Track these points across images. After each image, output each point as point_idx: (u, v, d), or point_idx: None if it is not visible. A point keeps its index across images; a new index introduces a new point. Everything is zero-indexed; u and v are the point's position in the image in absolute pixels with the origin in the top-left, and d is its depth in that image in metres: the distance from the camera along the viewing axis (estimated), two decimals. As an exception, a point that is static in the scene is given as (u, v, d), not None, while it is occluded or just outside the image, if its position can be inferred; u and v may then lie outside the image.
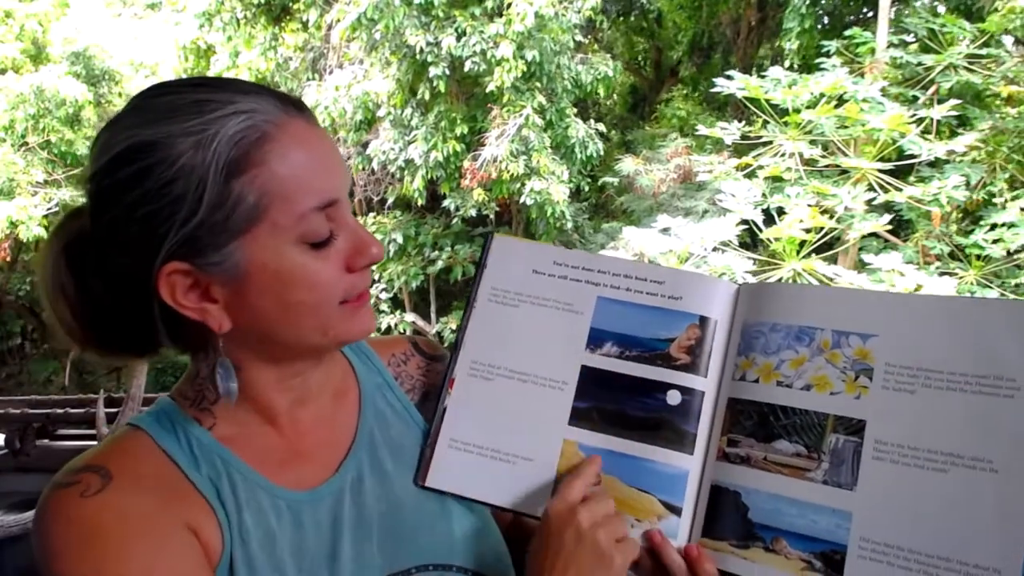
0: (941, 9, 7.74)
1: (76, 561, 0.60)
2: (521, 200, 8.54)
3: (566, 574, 0.67)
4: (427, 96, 8.60)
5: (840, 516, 0.67)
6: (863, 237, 5.98)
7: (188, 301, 0.65)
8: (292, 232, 0.64)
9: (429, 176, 8.78)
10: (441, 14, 8.28)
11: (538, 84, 8.50)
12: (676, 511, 0.72)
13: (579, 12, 8.56)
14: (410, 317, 9.86)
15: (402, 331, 9.65)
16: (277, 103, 0.65)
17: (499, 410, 0.79)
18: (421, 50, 8.28)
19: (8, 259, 10.22)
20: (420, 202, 9.28)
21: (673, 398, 0.75)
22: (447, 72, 8.37)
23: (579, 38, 9.00)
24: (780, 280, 4.72)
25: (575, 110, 9.05)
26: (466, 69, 8.35)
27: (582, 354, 0.79)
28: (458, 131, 8.69)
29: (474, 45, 8.12)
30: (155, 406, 0.72)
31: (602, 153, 9.15)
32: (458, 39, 8.22)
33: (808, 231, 4.79)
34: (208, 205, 0.61)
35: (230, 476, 0.68)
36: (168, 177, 0.61)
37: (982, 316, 0.68)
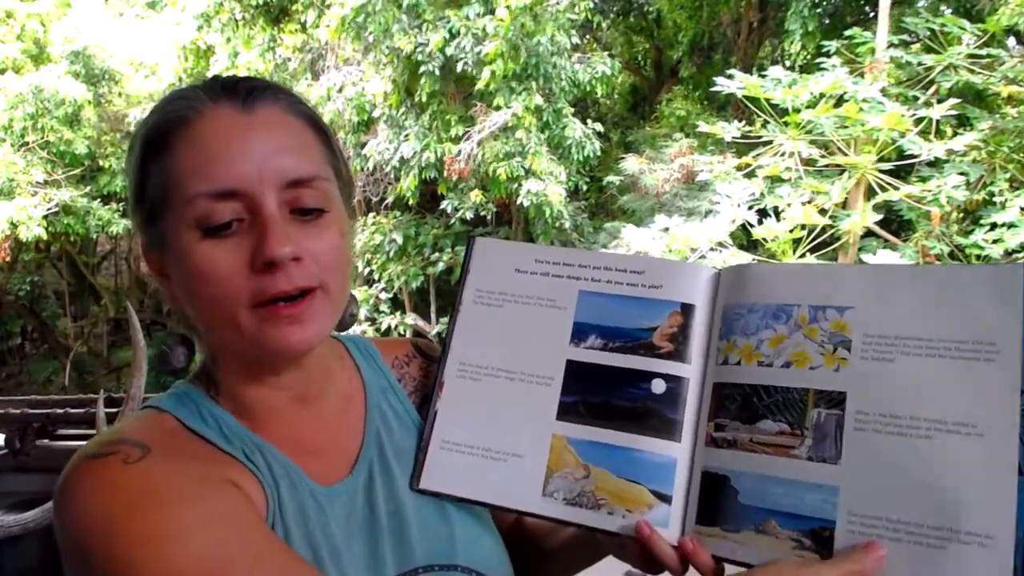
0: (942, 8, 7.73)
1: (127, 525, 0.58)
2: (518, 201, 8.54)
3: None
4: (423, 97, 8.58)
5: (827, 491, 0.66)
6: (862, 237, 5.98)
7: (159, 274, 0.70)
8: (187, 215, 0.64)
9: (422, 176, 8.76)
10: (431, 16, 8.26)
11: (534, 83, 8.49)
12: (666, 500, 0.72)
13: (574, 9, 8.53)
14: (410, 318, 9.86)
15: (402, 332, 9.64)
16: (210, 90, 0.67)
17: (488, 409, 0.79)
18: (412, 52, 8.26)
19: (8, 259, 10.22)
20: (414, 201, 9.26)
21: (658, 387, 0.75)
22: (436, 73, 8.35)
23: (576, 39, 8.98)
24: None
25: (572, 110, 9.03)
26: (458, 70, 8.33)
27: (567, 349, 0.79)
28: (453, 132, 8.67)
29: (465, 47, 8.11)
30: (174, 389, 0.73)
31: (599, 153, 9.11)
32: (451, 39, 8.20)
33: (792, 230, 4.79)
34: (134, 187, 0.69)
35: (262, 453, 0.69)
36: (129, 165, 0.70)
37: (958, 282, 0.67)
